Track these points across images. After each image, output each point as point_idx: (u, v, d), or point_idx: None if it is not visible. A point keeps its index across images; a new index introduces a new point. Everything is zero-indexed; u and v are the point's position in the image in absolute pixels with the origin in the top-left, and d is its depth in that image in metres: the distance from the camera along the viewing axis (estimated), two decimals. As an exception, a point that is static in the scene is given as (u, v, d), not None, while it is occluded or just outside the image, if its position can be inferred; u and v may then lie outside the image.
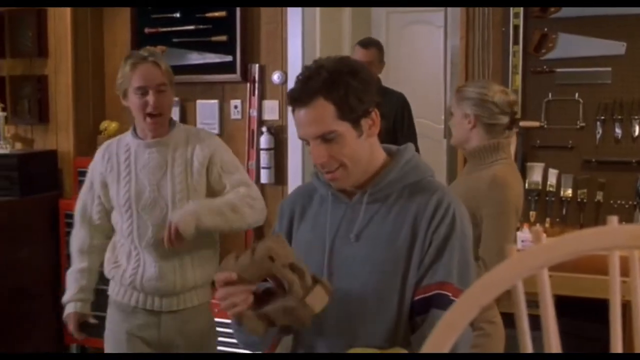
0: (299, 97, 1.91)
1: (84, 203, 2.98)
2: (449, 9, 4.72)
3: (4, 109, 4.77)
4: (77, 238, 3.01)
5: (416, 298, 1.90)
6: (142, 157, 2.84)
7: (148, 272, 2.84)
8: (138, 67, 2.73)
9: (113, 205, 2.90)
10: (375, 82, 1.99)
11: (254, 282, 1.91)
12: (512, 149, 4.05)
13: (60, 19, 4.85)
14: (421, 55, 6.27)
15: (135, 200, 2.82)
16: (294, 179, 4.62)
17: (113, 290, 2.97)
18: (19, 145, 4.93)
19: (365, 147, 1.96)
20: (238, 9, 4.64)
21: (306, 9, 4.64)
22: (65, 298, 2.92)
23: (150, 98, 2.72)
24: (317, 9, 4.87)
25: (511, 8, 4.10)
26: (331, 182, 1.98)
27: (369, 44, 4.63)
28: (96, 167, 2.94)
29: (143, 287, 2.85)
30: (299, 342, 2.06)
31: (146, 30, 4.80)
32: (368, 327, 1.93)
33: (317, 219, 2.06)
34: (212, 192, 2.86)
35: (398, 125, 4.69)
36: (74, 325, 2.89)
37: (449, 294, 1.87)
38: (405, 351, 1.86)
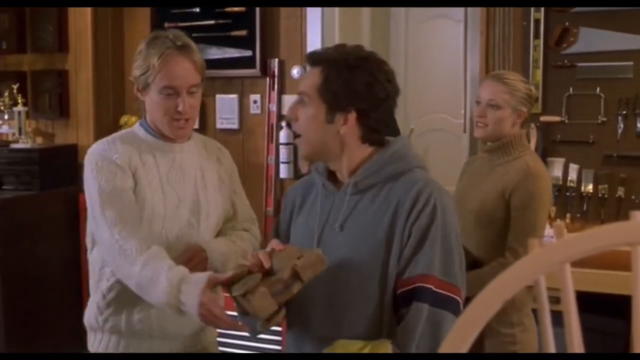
0: (310, 57, 2.04)
1: (117, 192, 2.22)
2: (469, 3, 4.70)
3: (25, 104, 4.79)
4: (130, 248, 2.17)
5: (399, 291, 1.93)
6: (170, 161, 2.32)
7: (162, 312, 2.20)
8: (169, 61, 2.21)
9: None
10: (375, 93, 1.97)
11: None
12: (533, 143, 4.03)
13: (81, 14, 4.86)
14: (440, 50, 6.24)
15: (165, 215, 2.29)
16: (313, 174, 4.61)
17: (98, 345, 2.33)
18: (39, 140, 4.96)
19: (331, 137, 2.00)
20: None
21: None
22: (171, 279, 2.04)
23: (181, 102, 2.22)
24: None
25: (532, 2, 4.08)
26: (297, 145, 2.11)
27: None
28: (118, 160, 2.25)
29: (157, 332, 2.27)
30: (289, 330, 2.11)
31: (166, 24, 4.80)
32: (351, 316, 1.96)
33: (311, 208, 2.11)
34: None
35: None
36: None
37: (431, 287, 1.88)
38: (389, 343, 1.87)
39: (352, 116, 1.97)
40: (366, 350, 1.85)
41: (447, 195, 2.00)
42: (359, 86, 1.95)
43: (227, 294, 1.97)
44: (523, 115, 2.94)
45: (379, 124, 2.02)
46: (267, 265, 1.88)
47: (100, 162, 2.25)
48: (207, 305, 1.98)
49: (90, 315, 2.31)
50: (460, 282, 1.95)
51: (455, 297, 1.90)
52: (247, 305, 1.86)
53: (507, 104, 2.88)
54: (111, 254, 2.16)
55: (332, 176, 2.10)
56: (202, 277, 2.02)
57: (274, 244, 1.96)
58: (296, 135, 2.06)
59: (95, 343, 2.32)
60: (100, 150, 2.28)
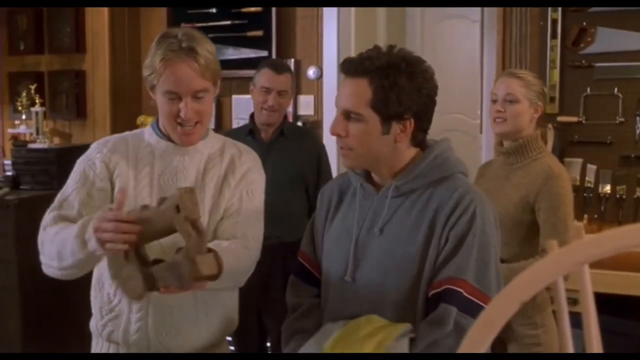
0: (350, 67, 1.94)
1: (67, 203, 2.18)
2: (486, 2, 4.68)
3: (42, 104, 4.82)
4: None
5: (430, 294, 1.90)
6: (168, 164, 2.20)
7: (159, 321, 2.14)
8: (171, 66, 2.06)
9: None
10: (426, 94, 1.94)
11: (153, 237, 1.91)
12: (550, 144, 4.01)
13: (98, 15, 4.89)
14: (457, 50, 6.22)
15: None
16: (329, 174, 4.61)
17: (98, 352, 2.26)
18: (57, 140, 4.99)
19: (386, 147, 1.96)
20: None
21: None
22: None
23: (184, 107, 2.09)
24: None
25: (549, 2, 4.06)
26: (342, 157, 2.02)
27: (283, 68, 3.63)
28: (97, 157, 2.19)
29: (155, 345, 2.15)
30: (321, 324, 2.07)
31: (182, 25, 4.82)
32: (386, 319, 1.93)
33: (348, 210, 2.09)
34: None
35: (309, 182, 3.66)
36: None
37: (462, 291, 1.85)
38: (406, 325, 1.88)
39: (410, 122, 1.93)
40: (381, 326, 1.88)
41: (488, 206, 1.95)
42: (412, 91, 1.90)
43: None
44: (540, 109, 2.94)
45: (428, 124, 2.01)
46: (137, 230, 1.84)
47: (80, 163, 2.22)
48: (100, 216, 1.90)
49: (92, 320, 2.27)
50: (493, 295, 1.87)
51: (485, 306, 1.81)
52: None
53: (524, 97, 2.89)
54: (42, 247, 2.17)
55: (368, 177, 2.07)
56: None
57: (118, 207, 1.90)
58: (342, 147, 1.98)
59: (95, 350, 2.28)
60: (89, 150, 2.25)
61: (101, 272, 2.21)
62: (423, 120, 1.96)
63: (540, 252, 2.80)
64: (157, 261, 1.95)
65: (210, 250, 1.86)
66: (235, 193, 2.21)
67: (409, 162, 1.99)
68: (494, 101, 2.95)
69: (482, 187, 3.06)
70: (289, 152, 3.57)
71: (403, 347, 1.84)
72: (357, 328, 1.91)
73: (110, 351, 2.22)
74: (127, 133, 2.31)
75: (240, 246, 2.13)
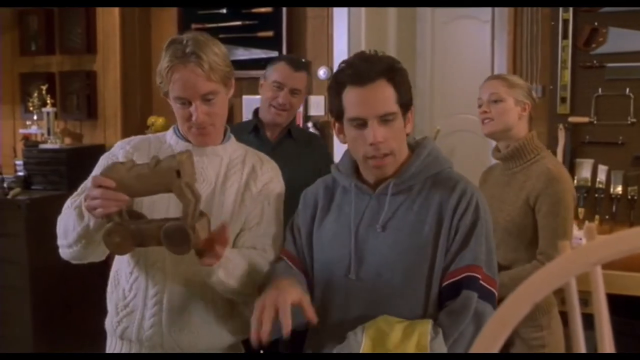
0: (362, 74, 1.97)
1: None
2: (497, 3, 4.67)
3: (53, 105, 4.84)
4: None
5: (445, 283, 1.97)
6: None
7: (173, 320, 2.16)
8: (176, 73, 2.09)
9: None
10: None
11: (142, 194, 1.91)
12: (561, 145, 4.00)
13: (109, 16, 4.90)
14: (467, 50, 6.20)
15: (165, 213, 2.13)
16: (339, 175, 4.61)
17: (117, 351, 2.27)
18: (68, 140, 5.00)
19: (405, 141, 2.08)
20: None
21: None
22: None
23: (194, 111, 2.12)
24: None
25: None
26: (377, 169, 2.03)
27: (301, 65, 3.38)
28: (120, 152, 2.24)
29: (169, 342, 2.16)
30: (325, 325, 2.06)
31: (193, 25, 4.83)
32: (394, 313, 1.95)
33: (341, 209, 2.12)
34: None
35: None
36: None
37: (479, 277, 1.94)
38: (429, 322, 1.90)
39: (412, 111, 2.08)
40: (406, 327, 1.88)
41: (482, 195, 2.07)
42: (409, 83, 2.05)
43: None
44: (527, 107, 2.92)
45: None
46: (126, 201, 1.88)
47: (103, 159, 2.25)
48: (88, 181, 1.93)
49: (107, 318, 2.28)
50: (498, 278, 2.02)
51: (494, 290, 1.97)
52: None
53: (508, 95, 2.89)
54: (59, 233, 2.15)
55: (359, 177, 2.12)
56: None
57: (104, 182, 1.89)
58: (380, 156, 2.00)
59: (109, 348, 2.28)
60: (114, 147, 2.28)
61: (117, 269, 2.24)
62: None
63: (538, 256, 2.78)
64: (141, 215, 1.96)
65: (202, 214, 1.88)
66: (257, 204, 2.23)
67: (406, 159, 2.08)
68: (480, 106, 2.97)
69: (486, 193, 3.04)
70: (295, 156, 3.23)
71: (441, 346, 1.86)
72: (383, 334, 1.89)
73: (123, 350, 2.22)
74: (149, 135, 2.36)
75: (258, 255, 2.17)
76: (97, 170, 2.23)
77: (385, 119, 1.97)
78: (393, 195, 2.04)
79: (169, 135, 2.29)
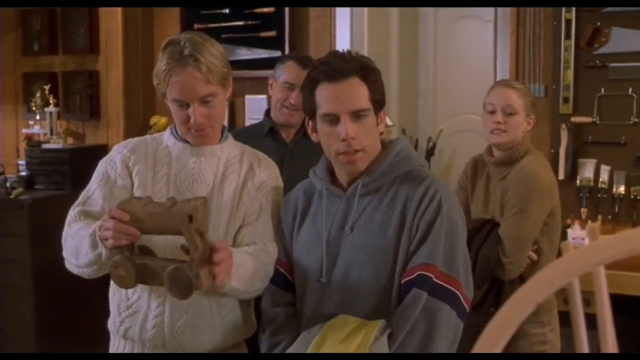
0: (336, 71, 2.00)
1: (91, 200, 2.22)
2: (499, 2, 4.66)
3: (56, 105, 4.84)
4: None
5: (403, 281, 1.98)
6: (184, 165, 2.22)
7: (176, 320, 2.14)
8: (174, 75, 2.09)
9: None
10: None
11: (153, 231, 1.93)
12: (563, 145, 4.00)
13: (111, 16, 4.90)
14: (470, 50, 6.20)
15: None
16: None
17: (115, 351, 2.27)
18: (70, 140, 5.01)
19: (377, 139, 2.10)
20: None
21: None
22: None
23: (192, 114, 2.12)
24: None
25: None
26: (348, 164, 2.05)
27: (310, 64, 3.28)
28: (117, 157, 2.24)
29: (171, 342, 2.15)
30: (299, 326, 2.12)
31: (195, 26, 4.83)
32: (362, 313, 1.99)
33: (316, 214, 2.14)
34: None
35: None
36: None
37: (432, 276, 1.93)
38: (380, 322, 1.93)
39: (384, 112, 2.10)
40: (356, 327, 1.92)
41: (452, 194, 2.09)
42: (382, 83, 2.07)
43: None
44: (532, 122, 2.93)
45: None
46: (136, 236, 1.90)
47: (102, 164, 2.26)
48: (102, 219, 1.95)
49: (110, 318, 2.28)
50: (463, 278, 1.99)
51: (454, 290, 1.95)
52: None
53: (521, 109, 2.88)
54: (65, 243, 2.17)
55: (333, 180, 2.15)
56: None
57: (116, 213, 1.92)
58: (352, 152, 2.02)
59: (111, 348, 2.28)
60: (112, 151, 2.30)
61: None
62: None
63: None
64: (150, 252, 1.97)
65: (210, 260, 1.86)
66: (255, 201, 2.23)
67: (375, 158, 2.08)
68: (492, 112, 2.91)
69: (476, 195, 3.03)
70: (312, 156, 3.00)
71: (383, 347, 1.89)
72: (334, 331, 1.94)
73: (126, 349, 2.23)
74: (147, 136, 2.37)
75: (261, 250, 2.17)
76: (96, 176, 2.24)
77: (357, 115, 1.99)
78: (361, 196, 2.06)
79: (166, 136, 2.29)
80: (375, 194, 2.06)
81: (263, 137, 3.12)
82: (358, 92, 1.99)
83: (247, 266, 2.07)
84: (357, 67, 2.00)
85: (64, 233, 2.20)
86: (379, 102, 2.04)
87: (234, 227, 2.21)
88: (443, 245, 1.96)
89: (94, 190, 2.22)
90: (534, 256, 2.80)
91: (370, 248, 2.02)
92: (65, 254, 2.18)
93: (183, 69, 2.07)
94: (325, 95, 2.01)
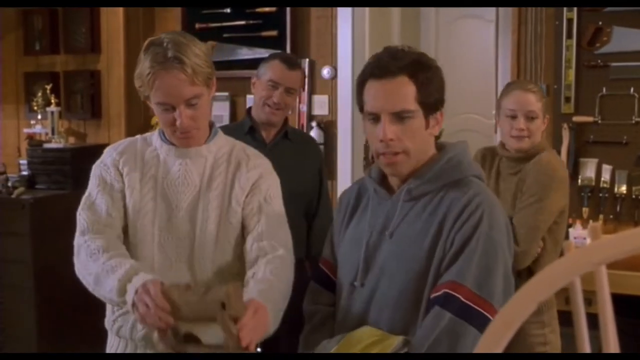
0: (383, 68, 1.89)
1: (95, 206, 2.17)
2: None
3: (58, 104, 4.84)
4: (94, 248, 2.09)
5: (431, 297, 1.86)
6: (170, 167, 2.18)
7: None
8: (158, 78, 2.03)
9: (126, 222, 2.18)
10: (444, 82, 1.99)
11: (189, 319, 1.89)
12: (565, 144, 3.99)
13: (113, 15, 4.90)
14: (471, 50, 6.20)
15: (158, 222, 2.15)
16: (344, 174, 4.61)
17: (109, 349, 2.27)
18: (72, 140, 5.01)
19: (428, 141, 1.97)
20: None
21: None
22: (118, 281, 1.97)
23: (178, 116, 2.07)
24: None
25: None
26: (388, 166, 1.95)
27: (295, 64, 3.30)
28: (109, 161, 2.21)
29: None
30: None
31: (197, 25, 4.83)
32: (388, 325, 1.91)
33: (363, 215, 2.07)
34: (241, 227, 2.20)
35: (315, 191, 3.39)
36: (159, 299, 1.85)
37: (459, 296, 1.80)
38: (398, 338, 1.85)
39: (441, 114, 1.97)
40: (377, 342, 1.86)
41: (498, 211, 1.91)
42: (440, 82, 1.96)
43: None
44: (547, 121, 2.94)
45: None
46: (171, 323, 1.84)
47: (96, 168, 2.23)
48: (146, 286, 1.87)
49: (106, 317, 2.28)
50: (499, 301, 1.83)
51: (484, 313, 1.81)
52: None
53: (540, 112, 2.87)
54: (79, 255, 2.13)
55: (384, 181, 2.05)
56: (157, 278, 1.94)
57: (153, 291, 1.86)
58: (391, 153, 1.91)
59: (108, 346, 2.28)
60: (103, 155, 2.26)
61: None
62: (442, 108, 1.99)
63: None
64: (193, 336, 1.95)
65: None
66: (252, 202, 2.18)
67: (425, 163, 1.96)
68: (513, 117, 2.88)
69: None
70: (291, 158, 3.18)
71: None
72: (350, 345, 1.89)
73: (120, 347, 2.23)
74: (138, 136, 2.31)
75: (277, 265, 2.07)
76: (94, 181, 2.21)
77: (399, 116, 1.88)
78: (405, 202, 1.95)
79: (155, 137, 2.25)
80: (420, 200, 1.93)
81: (243, 135, 3.07)
82: (403, 92, 1.88)
83: (277, 301, 2.00)
84: (407, 64, 1.88)
85: (76, 241, 2.15)
86: (430, 104, 1.91)
87: (227, 231, 2.17)
88: (476, 266, 1.81)
89: (95, 195, 2.19)
90: (541, 244, 2.80)
91: (404, 257, 1.91)
92: (78, 264, 2.14)
93: (167, 72, 2.01)
94: (370, 93, 1.92)
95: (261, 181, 2.20)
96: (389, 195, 2.00)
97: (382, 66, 1.90)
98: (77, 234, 2.17)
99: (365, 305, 1.97)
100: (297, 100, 4.32)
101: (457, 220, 1.85)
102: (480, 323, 1.79)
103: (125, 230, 2.18)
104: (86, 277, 2.11)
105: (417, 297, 1.88)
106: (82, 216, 2.17)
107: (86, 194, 2.22)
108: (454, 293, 1.80)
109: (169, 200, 2.15)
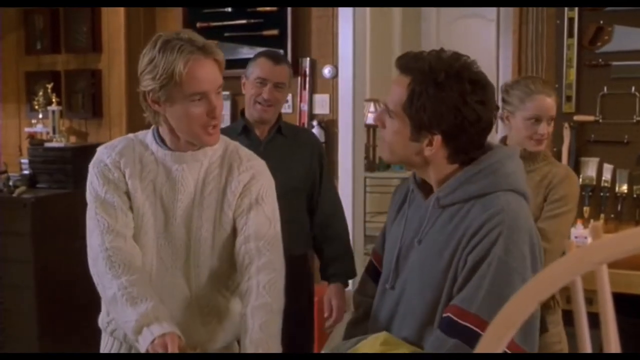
0: (401, 63, 1.85)
1: (108, 205, 2.13)
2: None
3: (59, 103, 4.84)
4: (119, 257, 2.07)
5: (443, 316, 1.79)
6: (168, 173, 2.15)
7: None
8: (197, 67, 2.00)
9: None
10: (462, 113, 1.77)
11: None
12: (566, 143, 3.99)
13: (114, 15, 4.90)
14: (472, 49, 6.19)
15: (157, 227, 2.15)
16: (345, 173, 4.61)
17: (103, 348, 2.28)
18: (73, 139, 5.01)
19: (415, 155, 1.86)
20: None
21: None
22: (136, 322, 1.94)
23: (214, 104, 2.04)
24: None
25: None
26: (379, 146, 2.00)
27: (281, 59, 3.30)
28: (109, 161, 2.17)
29: None
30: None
31: (198, 24, 4.83)
32: (406, 333, 1.89)
33: (403, 215, 2.02)
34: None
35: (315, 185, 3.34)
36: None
37: (466, 323, 1.70)
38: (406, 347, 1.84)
39: (438, 138, 1.79)
40: (382, 350, 1.84)
41: (521, 235, 1.74)
42: (446, 108, 1.76)
43: None
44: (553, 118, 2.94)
45: (468, 146, 1.83)
46: None
47: (95, 167, 2.18)
48: (165, 340, 1.87)
49: (100, 315, 2.27)
50: (518, 339, 1.69)
51: None
52: None
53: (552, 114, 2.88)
54: (97, 259, 2.09)
55: (424, 184, 1.97)
56: (175, 330, 1.92)
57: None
58: (380, 138, 1.93)
59: (102, 345, 2.28)
60: (98, 154, 2.21)
61: None
62: (459, 141, 1.81)
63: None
64: None
65: None
66: (242, 205, 2.16)
67: (452, 172, 1.86)
68: (537, 120, 2.82)
69: None
70: (287, 153, 3.17)
71: None
72: (361, 348, 1.88)
73: (114, 347, 2.22)
74: (131, 136, 2.26)
75: (269, 277, 2.05)
76: (94, 179, 2.17)
77: (387, 110, 1.87)
78: (434, 209, 1.87)
79: (150, 140, 2.20)
80: (447, 210, 1.83)
81: (237, 136, 3.05)
82: (398, 92, 1.84)
83: (275, 346, 1.99)
84: (417, 67, 1.80)
85: (94, 244, 2.12)
86: (417, 119, 1.81)
87: (221, 239, 2.16)
88: (486, 292, 1.69)
89: (104, 194, 2.13)
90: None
91: (426, 267, 1.84)
92: (94, 269, 2.11)
93: (206, 57, 2.01)
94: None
95: (252, 182, 2.18)
96: (424, 198, 1.93)
97: (404, 59, 1.86)
98: (95, 233, 2.12)
99: (393, 308, 1.95)
100: (292, 96, 4.32)
101: (472, 240, 1.74)
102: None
103: None
104: (101, 288, 2.09)
105: (432, 310, 1.82)
106: (95, 215, 2.12)
107: (92, 193, 2.17)
108: (457, 319, 1.72)
109: (166, 207, 2.13)
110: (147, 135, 2.22)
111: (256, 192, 2.17)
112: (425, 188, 1.95)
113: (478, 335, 1.67)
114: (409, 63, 1.83)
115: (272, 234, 2.15)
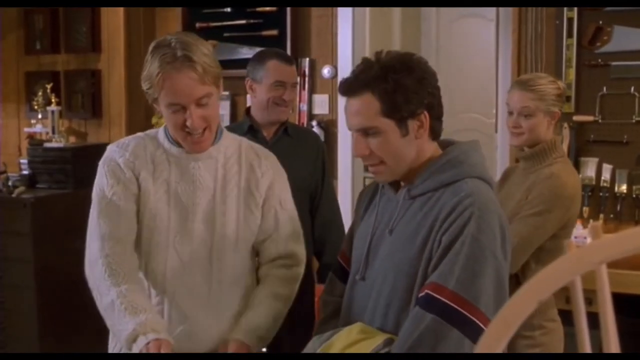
0: (348, 88, 1.93)
1: (112, 209, 2.13)
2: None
3: (58, 103, 4.84)
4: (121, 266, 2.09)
5: (418, 296, 1.86)
6: (183, 171, 2.16)
7: (174, 329, 2.12)
8: (169, 78, 2.00)
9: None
10: (429, 83, 1.93)
11: None
12: (565, 144, 3.99)
13: (114, 15, 4.91)
14: (472, 49, 6.20)
15: (172, 227, 2.15)
16: (344, 173, 4.61)
17: (112, 348, 2.28)
18: (73, 139, 5.01)
19: (410, 147, 1.94)
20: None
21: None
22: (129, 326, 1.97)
23: (189, 117, 2.04)
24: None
25: None
26: (373, 175, 2.01)
27: (291, 59, 3.33)
28: (121, 161, 2.17)
29: None
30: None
31: (197, 25, 4.84)
32: (381, 322, 1.94)
33: (373, 210, 2.09)
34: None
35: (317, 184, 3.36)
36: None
37: (440, 297, 1.77)
38: (382, 336, 1.88)
39: (425, 116, 1.92)
40: (362, 340, 1.88)
41: (490, 213, 1.85)
42: (416, 86, 1.89)
43: None
44: (557, 115, 2.91)
45: (441, 110, 1.99)
46: None
47: (106, 165, 2.17)
48: (159, 342, 1.92)
49: None
50: (486, 305, 1.78)
51: (469, 316, 1.77)
52: None
53: (538, 110, 2.84)
54: (96, 264, 2.09)
55: (394, 181, 2.05)
56: (169, 339, 1.96)
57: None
58: (372, 165, 1.96)
59: (110, 345, 2.29)
60: (110, 152, 2.20)
61: None
62: (435, 109, 1.96)
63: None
64: None
65: None
66: (270, 210, 2.24)
67: (426, 161, 1.96)
68: (511, 112, 2.90)
69: (503, 191, 3.01)
70: (293, 154, 3.15)
71: None
72: (331, 345, 1.92)
73: (118, 346, 2.22)
74: (142, 134, 2.27)
75: (284, 276, 2.27)
76: (103, 179, 2.16)
77: (366, 132, 1.92)
78: (405, 200, 1.96)
79: (162, 137, 2.21)
80: (418, 200, 1.93)
81: (242, 135, 2.97)
82: (366, 109, 1.89)
83: (268, 329, 2.17)
84: (369, 80, 1.88)
85: (93, 249, 2.13)
86: (399, 114, 1.89)
87: (246, 235, 2.21)
88: (461, 268, 1.77)
89: (110, 196, 2.13)
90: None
91: (397, 255, 1.92)
92: (90, 274, 2.13)
93: (178, 71, 1.99)
94: (345, 110, 1.98)
95: (275, 184, 2.26)
96: (395, 193, 2.02)
97: (348, 84, 1.93)
98: (95, 236, 2.13)
99: (364, 300, 2.00)
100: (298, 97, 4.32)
101: (445, 221, 1.83)
102: (463, 325, 1.76)
103: (139, 234, 2.15)
104: (97, 294, 2.10)
105: (407, 296, 1.88)
106: (100, 219, 2.13)
107: (98, 193, 2.17)
108: (435, 294, 1.78)
109: (183, 205, 2.13)
110: (158, 134, 2.23)
111: (278, 194, 2.27)
112: (394, 184, 2.04)
113: (454, 310, 1.77)
114: (356, 83, 1.91)
115: (298, 234, 2.34)
